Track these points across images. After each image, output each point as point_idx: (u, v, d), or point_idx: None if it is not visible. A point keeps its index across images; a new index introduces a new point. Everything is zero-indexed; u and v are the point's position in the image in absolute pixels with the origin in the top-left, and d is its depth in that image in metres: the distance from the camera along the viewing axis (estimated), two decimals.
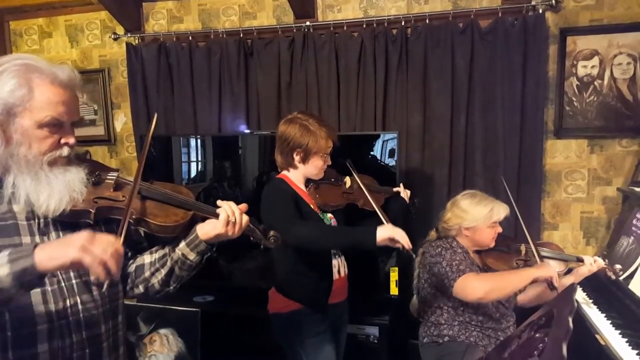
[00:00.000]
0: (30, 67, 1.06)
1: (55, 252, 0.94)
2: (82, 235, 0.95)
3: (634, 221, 2.20)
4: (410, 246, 1.70)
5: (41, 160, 1.06)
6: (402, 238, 1.69)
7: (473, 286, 1.90)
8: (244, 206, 1.23)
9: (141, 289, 1.28)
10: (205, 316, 2.62)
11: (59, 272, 1.10)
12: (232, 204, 1.20)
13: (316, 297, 1.91)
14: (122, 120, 3.20)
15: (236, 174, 2.82)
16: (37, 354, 1.05)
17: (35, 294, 1.05)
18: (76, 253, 0.92)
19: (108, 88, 3.17)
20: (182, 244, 1.22)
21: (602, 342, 1.79)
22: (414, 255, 1.74)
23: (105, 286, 0.98)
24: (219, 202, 1.21)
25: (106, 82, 3.16)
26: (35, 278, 0.94)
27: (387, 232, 1.70)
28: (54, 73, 1.07)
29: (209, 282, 2.76)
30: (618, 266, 2.03)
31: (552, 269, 1.91)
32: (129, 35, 3.01)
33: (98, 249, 0.93)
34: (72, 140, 1.10)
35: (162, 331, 2.65)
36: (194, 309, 2.64)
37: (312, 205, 1.92)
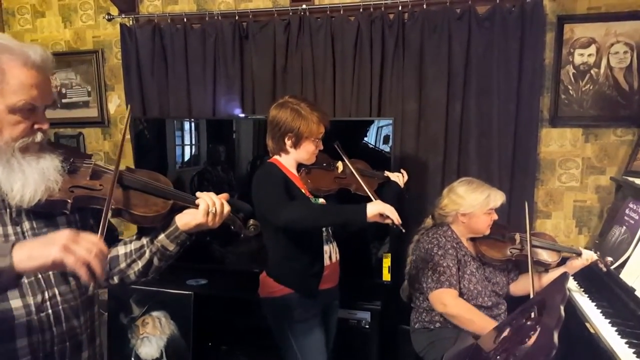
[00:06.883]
0: (0, 46, 0.98)
1: (35, 251, 0.87)
2: (64, 234, 0.89)
3: (627, 211, 2.21)
4: (400, 221, 1.69)
5: (13, 147, 0.99)
6: (391, 213, 1.69)
7: (445, 302, 2.01)
8: (224, 196, 1.20)
9: (116, 280, 1.23)
10: (198, 299, 2.63)
11: None
12: (212, 194, 1.17)
13: (306, 282, 1.91)
14: (116, 102, 3.17)
15: (230, 158, 2.79)
16: (16, 349, 1.01)
17: None
18: (58, 253, 0.86)
19: (102, 69, 3.13)
20: (162, 236, 1.18)
21: (592, 331, 1.81)
22: (403, 230, 1.71)
23: (91, 288, 0.92)
24: (198, 193, 1.18)
25: (100, 63, 3.12)
26: (11, 279, 0.89)
27: (377, 207, 1.70)
28: (26, 54, 0.99)
29: (202, 265, 2.77)
30: (609, 258, 2.05)
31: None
32: (123, 16, 2.96)
33: (81, 248, 0.88)
34: (46, 126, 1.04)
35: (155, 314, 2.66)
36: (186, 292, 2.64)
37: (303, 190, 1.91)
